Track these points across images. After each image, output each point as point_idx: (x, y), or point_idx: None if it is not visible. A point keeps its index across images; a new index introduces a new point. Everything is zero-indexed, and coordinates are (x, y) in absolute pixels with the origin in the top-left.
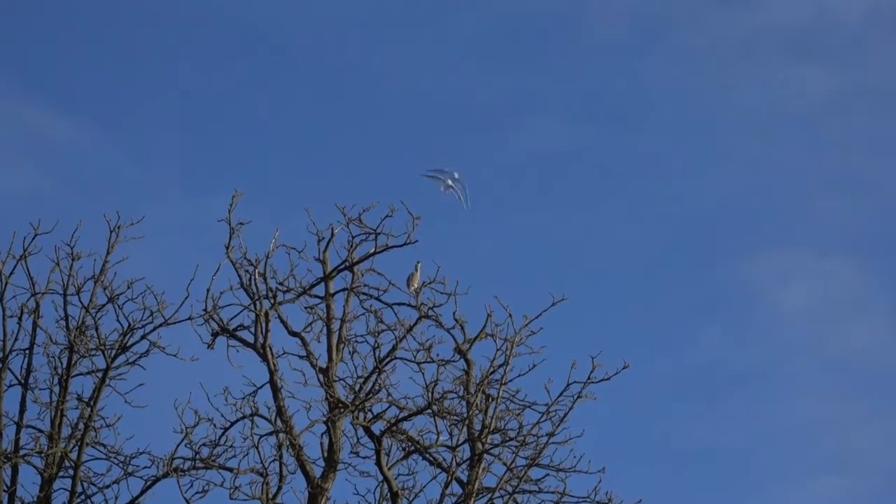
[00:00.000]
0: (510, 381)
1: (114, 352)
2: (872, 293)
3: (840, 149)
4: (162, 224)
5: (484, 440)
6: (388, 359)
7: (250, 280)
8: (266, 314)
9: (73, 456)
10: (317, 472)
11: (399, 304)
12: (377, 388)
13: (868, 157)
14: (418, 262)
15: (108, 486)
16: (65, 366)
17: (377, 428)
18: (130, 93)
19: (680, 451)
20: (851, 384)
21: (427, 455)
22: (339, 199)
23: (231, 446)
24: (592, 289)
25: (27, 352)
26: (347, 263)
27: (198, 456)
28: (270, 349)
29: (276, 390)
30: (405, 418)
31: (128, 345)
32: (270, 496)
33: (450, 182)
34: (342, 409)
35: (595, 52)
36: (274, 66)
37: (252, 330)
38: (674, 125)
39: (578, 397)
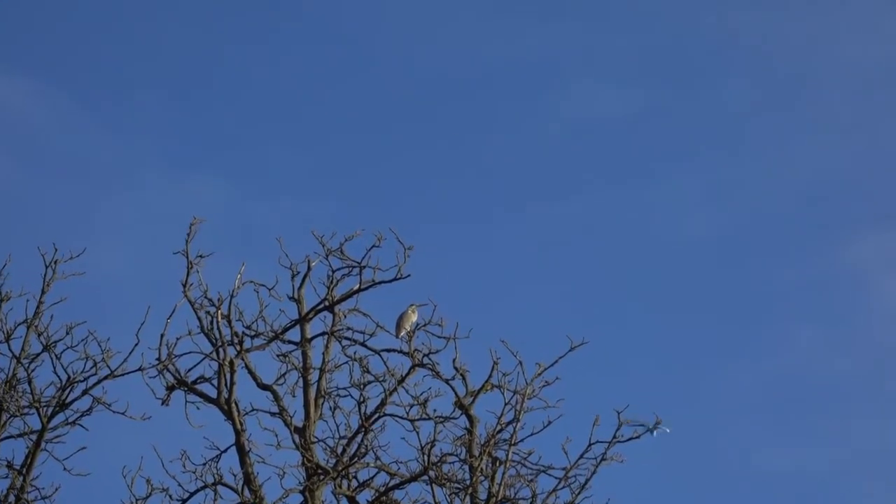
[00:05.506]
0: (521, 441)
1: (50, 410)
2: None
3: None
4: (138, 207)
5: None
6: (377, 415)
7: (212, 323)
8: (231, 364)
9: None
10: None
11: (389, 350)
12: (363, 450)
13: None
14: (412, 304)
15: None
16: None
17: (364, 498)
18: (103, 54)
19: (755, 475)
20: None
21: None
22: (337, 188)
23: None
24: (652, 285)
25: None
26: (327, 303)
27: None
28: (237, 405)
29: (243, 454)
30: (397, 486)
31: (67, 401)
32: None
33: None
34: (322, 476)
35: None
36: (270, 23)
37: (215, 382)
38: (755, 84)
39: (602, 460)
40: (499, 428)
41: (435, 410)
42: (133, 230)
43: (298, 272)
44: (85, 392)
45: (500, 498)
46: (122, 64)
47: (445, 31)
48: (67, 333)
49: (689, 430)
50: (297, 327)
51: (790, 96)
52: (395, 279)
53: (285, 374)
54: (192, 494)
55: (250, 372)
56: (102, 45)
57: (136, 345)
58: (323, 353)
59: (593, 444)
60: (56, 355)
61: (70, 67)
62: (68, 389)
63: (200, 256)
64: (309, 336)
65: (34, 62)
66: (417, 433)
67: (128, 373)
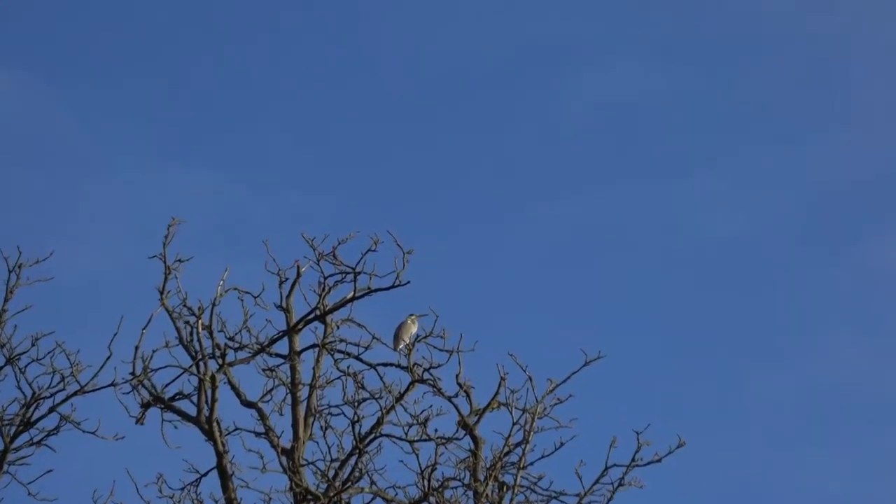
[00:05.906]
0: (531, 464)
1: (13, 429)
2: None
3: None
4: (117, 204)
5: None
6: (372, 436)
7: (192, 334)
8: (212, 379)
9: None
10: None
11: (386, 364)
12: (357, 474)
13: None
14: (412, 314)
15: None
16: None
17: None
18: (81, 36)
19: (794, 496)
20: None
21: None
22: (336, 186)
23: None
24: (675, 292)
25: None
26: (318, 312)
27: None
28: (218, 424)
29: (225, 478)
30: None
31: (32, 419)
32: None
33: None
34: (312, 503)
35: None
36: (271, 12)
37: (194, 399)
38: (789, 69)
39: (620, 485)
40: (506, 450)
41: (436, 430)
42: (108, 231)
43: (287, 278)
44: (52, 409)
45: None
46: (116, 56)
47: (449, 26)
48: (33, 345)
49: (717, 450)
50: (285, 339)
51: (822, 85)
52: (392, 286)
53: (272, 390)
54: None
55: (233, 388)
56: (99, 34)
57: (109, 358)
58: (313, 368)
59: (610, 467)
60: (20, 369)
61: (58, 55)
62: (33, 406)
63: (179, 261)
64: (298, 349)
65: (18, 50)
66: (417, 455)
67: (99, 388)
